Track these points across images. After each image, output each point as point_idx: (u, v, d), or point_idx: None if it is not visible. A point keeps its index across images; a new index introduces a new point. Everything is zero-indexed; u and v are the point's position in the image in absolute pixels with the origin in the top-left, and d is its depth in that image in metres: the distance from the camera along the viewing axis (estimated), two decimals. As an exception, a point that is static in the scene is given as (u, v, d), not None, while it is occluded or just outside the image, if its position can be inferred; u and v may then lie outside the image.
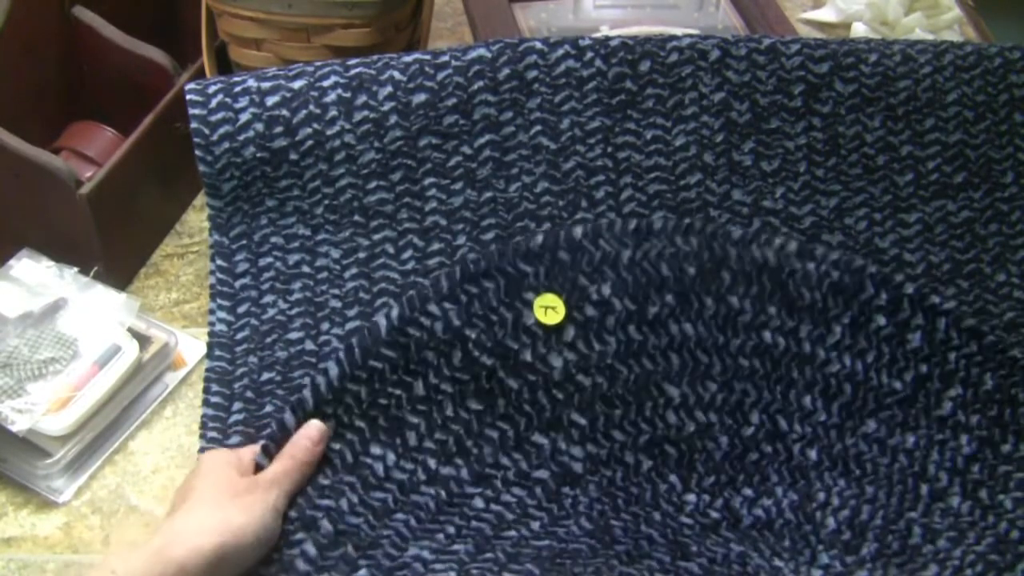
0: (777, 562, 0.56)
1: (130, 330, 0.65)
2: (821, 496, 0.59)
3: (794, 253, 0.63)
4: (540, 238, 0.61)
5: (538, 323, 0.60)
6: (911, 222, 0.70)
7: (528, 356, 0.60)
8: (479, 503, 0.58)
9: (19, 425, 0.59)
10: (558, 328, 0.60)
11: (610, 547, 0.56)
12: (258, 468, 0.56)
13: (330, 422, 0.58)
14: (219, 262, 0.65)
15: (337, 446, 0.57)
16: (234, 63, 0.77)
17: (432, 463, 0.58)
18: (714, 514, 0.59)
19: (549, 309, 0.60)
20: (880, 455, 0.61)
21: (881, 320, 0.63)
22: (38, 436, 0.61)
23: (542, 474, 0.59)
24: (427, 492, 0.57)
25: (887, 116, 0.71)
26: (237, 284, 0.65)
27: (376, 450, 0.58)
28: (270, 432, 0.57)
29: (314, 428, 0.57)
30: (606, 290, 0.61)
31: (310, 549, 0.54)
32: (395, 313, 0.58)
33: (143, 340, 0.65)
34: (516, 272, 0.60)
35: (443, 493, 0.57)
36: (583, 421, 0.60)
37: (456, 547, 0.56)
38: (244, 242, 0.65)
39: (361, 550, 0.55)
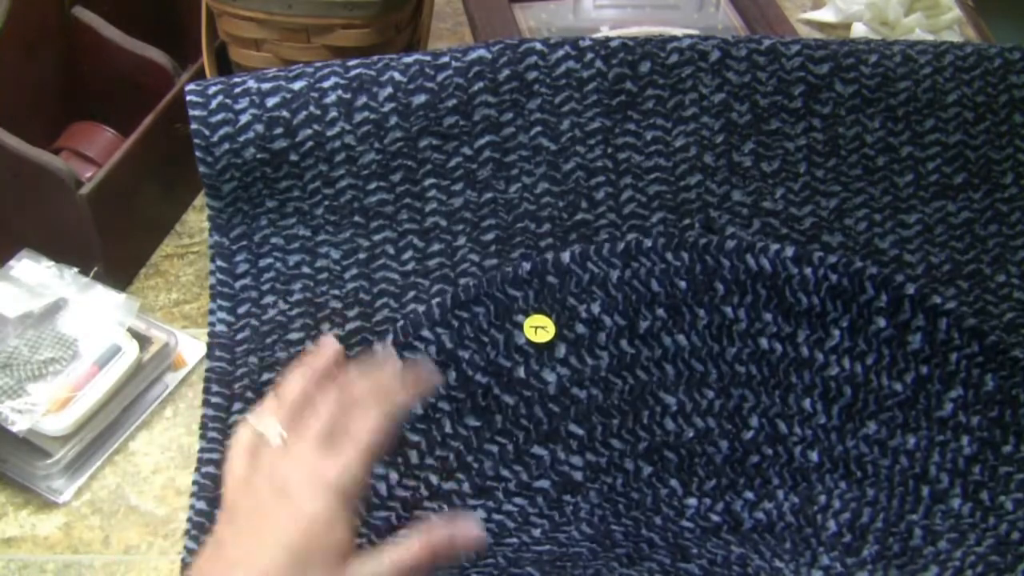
0: (777, 563, 0.56)
1: (130, 330, 0.65)
2: (822, 499, 0.59)
3: (791, 258, 0.63)
4: (528, 265, 0.62)
5: (529, 342, 0.61)
6: (911, 223, 0.70)
7: (521, 373, 0.60)
8: (481, 514, 0.58)
9: (19, 425, 0.59)
10: (549, 346, 0.61)
11: (610, 550, 0.56)
12: None
13: None
14: (219, 263, 0.65)
15: None
16: (234, 63, 0.77)
17: (434, 479, 0.58)
18: (715, 518, 0.59)
19: (539, 329, 0.61)
20: (881, 457, 0.61)
21: (881, 322, 0.63)
22: (38, 436, 0.61)
23: (543, 484, 0.59)
24: (429, 507, 0.58)
25: (887, 117, 0.71)
26: (237, 285, 0.65)
27: (379, 470, 0.58)
28: None
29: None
30: (595, 308, 0.62)
31: None
32: (389, 339, 0.60)
33: (143, 340, 0.65)
34: (505, 297, 0.62)
35: (445, 507, 0.58)
36: (581, 432, 0.60)
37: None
38: (244, 243, 0.65)
39: None
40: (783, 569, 0.56)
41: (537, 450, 0.60)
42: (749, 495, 0.59)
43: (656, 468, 0.60)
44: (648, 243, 0.63)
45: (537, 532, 0.57)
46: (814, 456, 0.61)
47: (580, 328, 0.61)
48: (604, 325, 0.62)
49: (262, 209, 0.65)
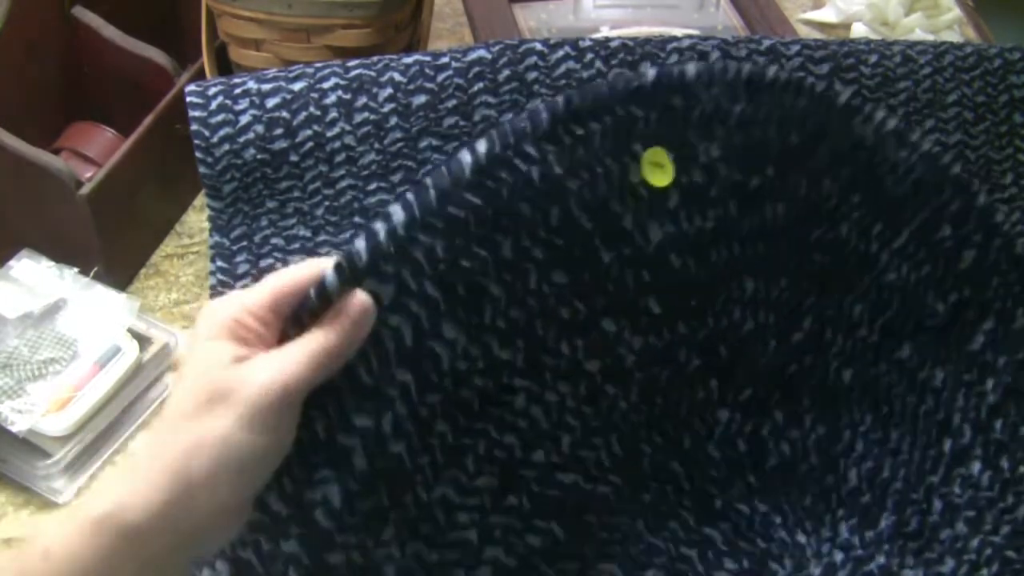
0: (800, 537, 0.56)
1: (130, 330, 0.65)
2: (847, 434, 0.58)
3: (892, 132, 0.57)
4: (653, 73, 0.50)
5: (644, 183, 0.50)
6: (911, 223, 0.70)
7: (629, 223, 0.50)
8: (521, 402, 0.49)
9: (19, 425, 0.59)
10: (664, 192, 0.50)
11: (637, 498, 0.53)
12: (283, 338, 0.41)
13: (389, 286, 0.43)
14: (220, 263, 0.65)
15: (395, 321, 0.43)
16: (234, 64, 0.77)
17: (495, 346, 0.47)
18: (741, 446, 0.57)
19: (657, 168, 0.51)
20: (908, 392, 0.59)
21: (947, 230, 0.59)
22: (38, 436, 0.61)
23: (593, 365, 0.52)
24: (478, 384, 0.47)
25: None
26: (238, 286, 0.65)
27: (449, 332, 0.45)
28: (306, 302, 0.42)
29: (358, 302, 0.41)
30: (714, 151, 0.52)
31: (333, 497, 0.43)
32: (483, 148, 0.45)
33: (143, 340, 0.66)
34: (626, 115, 0.49)
35: (491, 385, 0.48)
36: (658, 310, 0.53)
37: (479, 483, 0.49)
38: (245, 243, 0.65)
39: (393, 499, 0.45)
40: (805, 547, 0.55)
41: (606, 323, 0.51)
42: (778, 416, 0.57)
43: (704, 362, 0.55)
44: (770, 74, 0.54)
45: (566, 443, 0.51)
46: (847, 376, 0.58)
47: (697, 175, 0.52)
48: (719, 174, 0.53)
49: (262, 210, 0.65)
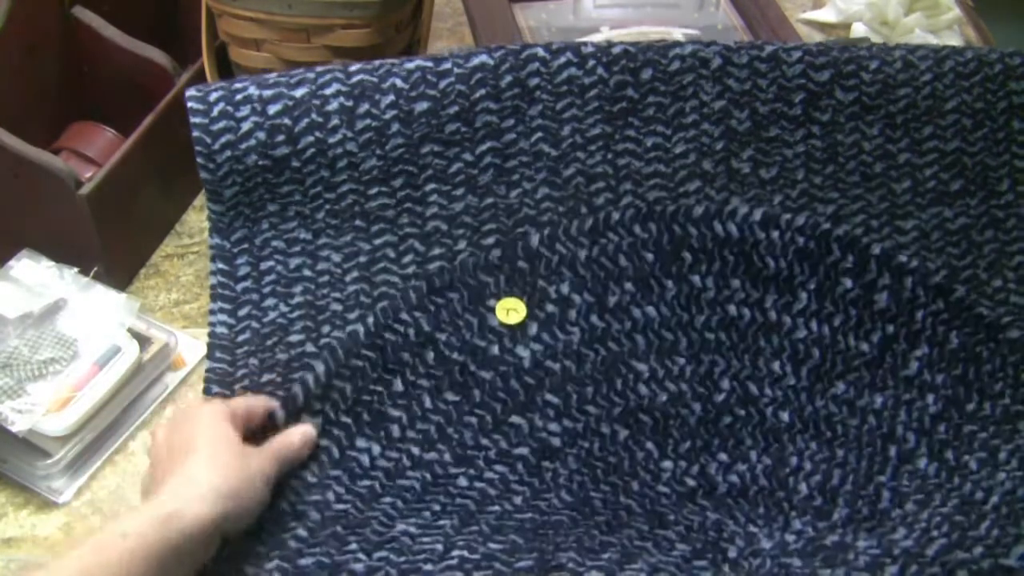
0: (752, 528, 0.57)
1: (130, 330, 0.65)
2: (794, 460, 0.61)
3: (758, 223, 0.65)
4: (498, 251, 0.65)
5: (501, 324, 0.64)
6: (908, 229, 0.71)
7: (496, 351, 0.63)
8: (463, 481, 0.60)
9: (19, 425, 0.59)
10: (521, 326, 0.64)
11: (590, 518, 0.58)
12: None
13: (317, 419, 0.60)
14: (220, 265, 0.65)
15: (324, 443, 0.60)
16: (234, 63, 0.77)
17: (415, 450, 0.61)
18: (690, 481, 0.60)
19: (511, 311, 0.64)
20: (849, 417, 0.63)
21: (848, 283, 0.65)
22: (38, 436, 0.61)
23: (522, 451, 0.61)
24: (412, 476, 0.60)
25: (886, 124, 0.71)
26: (238, 287, 0.65)
27: (361, 443, 0.60)
28: (264, 425, 0.59)
29: (301, 431, 0.59)
30: (565, 288, 0.64)
31: (301, 532, 0.56)
32: (371, 321, 0.63)
33: (143, 340, 0.66)
34: (477, 283, 0.64)
35: (428, 475, 0.60)
36: (556, 400, 0.62)
37: (442, 522, 0.57)
38: (245, 246, 0.66)
39: (350, 528, 0.57)
40: (757, 533, 0.57)
41: (515, 419, 0.62)
42: (723, 457, 0.61)
43: (632, 431, 0.62)
44: (616, 216, 0.65)
45: (519, 500, 0.59)
46: (785, 416, 0.62)
47: (550, 308, 0.64)
48: (574, 303, 0.64)
49: (263, 213, 0.66)
